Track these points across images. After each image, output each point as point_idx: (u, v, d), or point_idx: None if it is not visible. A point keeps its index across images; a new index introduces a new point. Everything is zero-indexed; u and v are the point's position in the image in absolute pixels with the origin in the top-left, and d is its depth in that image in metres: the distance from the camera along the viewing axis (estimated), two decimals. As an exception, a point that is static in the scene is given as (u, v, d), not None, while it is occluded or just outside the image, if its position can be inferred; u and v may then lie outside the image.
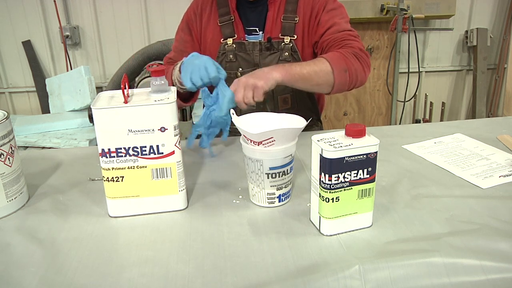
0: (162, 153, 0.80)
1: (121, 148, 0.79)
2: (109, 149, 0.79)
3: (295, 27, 1.22)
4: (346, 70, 1.12)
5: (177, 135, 0.80)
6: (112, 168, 0.80)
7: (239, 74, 1.26)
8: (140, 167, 0.81)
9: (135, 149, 0.79)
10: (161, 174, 0.82)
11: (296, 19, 1.22)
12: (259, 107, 1.26)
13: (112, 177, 0.81)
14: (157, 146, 0.79)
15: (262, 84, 1.01)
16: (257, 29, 1.25)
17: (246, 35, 1.25)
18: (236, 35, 1.24)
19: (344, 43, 1.17)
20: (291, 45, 1.22)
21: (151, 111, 0.77)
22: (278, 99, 1.28)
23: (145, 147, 0.79)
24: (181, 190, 0.84)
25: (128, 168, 0.80)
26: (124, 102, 0.78)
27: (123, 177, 0.81)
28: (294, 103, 1.30)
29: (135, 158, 0.80)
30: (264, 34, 1.24)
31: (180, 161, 0.82)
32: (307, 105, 1.34)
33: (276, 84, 1.05)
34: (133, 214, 0.84)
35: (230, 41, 1.24)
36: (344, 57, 1.12)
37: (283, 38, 1.22)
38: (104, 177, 0.81)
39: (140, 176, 0.81)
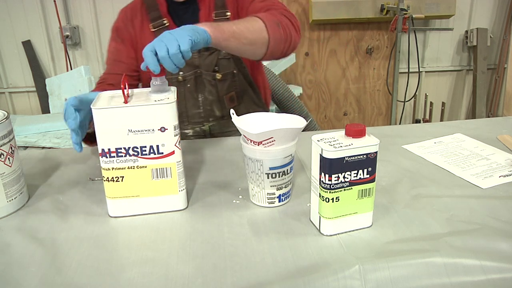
0: (162, 153, 0.80)
1: (121, 148, 0.79)
2: (109, 149, 0.79)
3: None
4: (279, 24, 1.05)
5: (177, 135, 0.80)
6: (112, 168, 0.80)
7: (180, 78, 1.23)
8: (140, 167, 0.81)
9: (135, 149, 0.79)
10: (161, 174, 0.82)
11: (227, 14, 1.19)
12: (208, 112, 1.25)
13: (112, 177, 0.81)
14: (157, 146, 0.79)
15: (189, 34, 0.85)
16: None
17: None
18: None
19: (268, 7, 1.12)
20: None
21: (151, 111, 0.77)
22: (225, 99, 1.26)
23: (145, 147, 0.79)
24: (181, 190, 0.84)
25: (128, 168, 0.81)
26: (124, 102, 0.78)
27: (123, 177, 0.81)
28: (240, 99, 1.29)
29: (135, 158, 0.80)
30: None
31: (180, 161, 0.82)
32: (252, 98, 1.32)
33: (206, 44, 0.91)
34: (133, 214, 0.84)
35: None
36: (273, 14, 1.07)
37: None
38: (104, 177, 0.81)
39: (140, 176, 0.81)
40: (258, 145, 0.80)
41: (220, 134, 1.29)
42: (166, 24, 1.19)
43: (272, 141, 0.79)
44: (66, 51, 2.72)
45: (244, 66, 1.27)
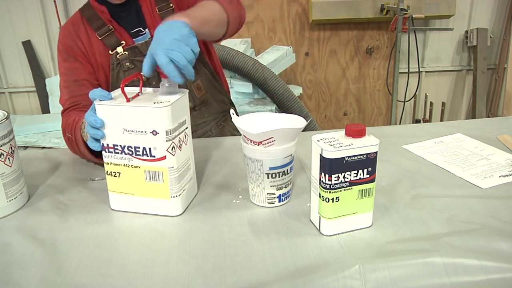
0: (154, 156, 0.79)
1: (117, 145, 0.80)
2: (107, 144, 0.80)
3: (173, 14, 1.16)
4: (232, 1, 1.11)
5: (170, 140, 0.78)
6: (111, 163, 0.82)
7: (144, 78, 1.21)
8: (135, 167, 0.81)
9: (129, 148, 0.80)
10: (153, 177, 0.81)
11: (170, 5, 1.19)
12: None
13: (111, 171, 0.83)
14: (150, 148, 0.79)
15: (190, 33, 0.85)
16: (141, 28, 1.20)
17: (134, 39, 1.20)
18: (124, 42, 1.18)
19: None
20: None
21: (144, 113, 0.77)
22: (193, 88, 1.25)
23: (139, 148, 0.79)
24: (174, 197, 0.82)
25: (124, 165, 0.81)
26: (126, 101, 0.79)
27: (120, 173, 0.82)
28: (206, 88, 1.29)
29: (130, 157, 0.80)
30: (150, 31, 1.20)
31: (173, 167, 0.80)
32: (214, 85, 1.32)
33: None
34: (131, 210, 0.84)
35: (120, 49, 1.17)
36: None
37: None
38: (106, 170, 0.83)
39: (135, 175, 0.82)
40: (258, 145, 0.80)
41: (195, 127, 1.28)
42: (112, 29, 1.17)
43: (272, 141, 0.79)
44: (66, 51, 2.72)
45: (201, 52, 1.25)
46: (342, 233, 0.74)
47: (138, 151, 0.80)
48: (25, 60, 2.76)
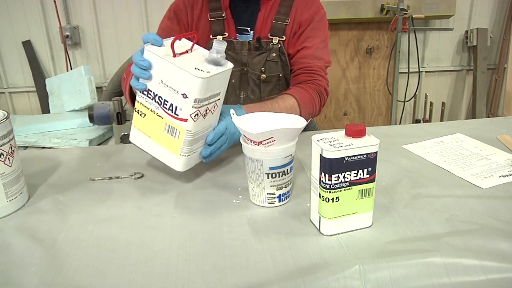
0: (178, 115, 0.85)
1: (151, 91, 0.86)
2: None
3: (285, 29, 1.22)
4: (311, 114, 1.19)
5: (196, 107, 0.83)
6: (141, 103, 0.89)
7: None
8: (159, 116, 0.87)
9: (160, 98, 0.86)
10: (171, 132, 0.87)
11: (287, 21, 1.22)
12: None
13: (139, 110, 0.90)
14: (176, 107, 0.84)
15: None
16: (248, 28, 1.24)
17: (237, 34, 1.24)
18: (227, 34, 1.23)
19: (313, 77, 1.20)
20: (280, 46, 1.22)
21: (181, 75, 0.82)
22: None
23: (167, 101, 0.85)
24: (182, 155, 0.88)
25: (151, 110, 0.88)
26: (173, 56, 0.84)
27: (145, 114, 0.90)
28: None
29: (158, 106, 0.86)
30: (254, 34, 1.24)
31: (191, 131, 0.86)
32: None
33: None
34: (143, 149, 0.92)
35: (220, 38, 1.21)
36: (312, 99, 1.17)
37: (272, 39, 1.22)
38: (135, 107, 0.91)
39: (157, 123, 0.88)
40: (258, 145, 0.80)
41: None
42: (224, 17, 1.22)
43: (272, 141, 0.79)
44: (66, 51, 2.72)
45: (290, 70, 1.28)
46: (342, 233, 0.74)
47: (166, 105, 0.85)
48: (25, 60, 2.76)
